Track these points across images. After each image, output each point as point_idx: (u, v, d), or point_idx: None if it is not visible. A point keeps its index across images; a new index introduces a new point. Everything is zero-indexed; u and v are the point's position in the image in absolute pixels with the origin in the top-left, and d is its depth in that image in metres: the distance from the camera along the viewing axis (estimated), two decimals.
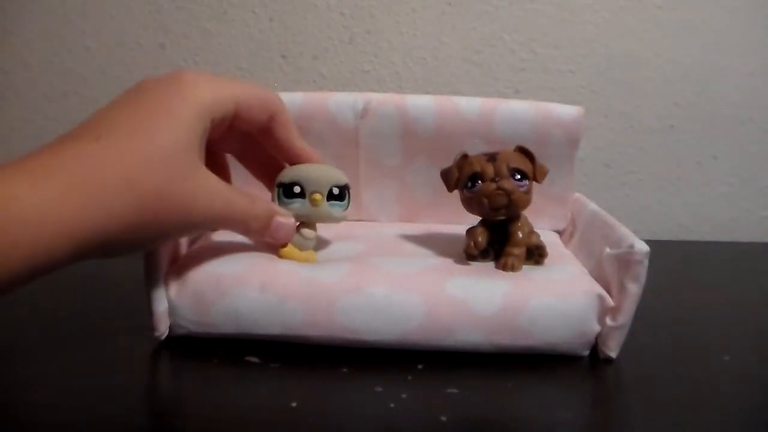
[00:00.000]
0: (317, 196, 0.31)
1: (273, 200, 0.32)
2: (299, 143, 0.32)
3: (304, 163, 0.32)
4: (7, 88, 0.60)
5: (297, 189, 0.32)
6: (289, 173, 0.32)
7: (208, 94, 0.27)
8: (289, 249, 0.32)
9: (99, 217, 0.23)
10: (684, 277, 0.46)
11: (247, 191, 0.30)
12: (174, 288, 0.30)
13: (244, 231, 0.30)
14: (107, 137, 0.24)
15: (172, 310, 0.30)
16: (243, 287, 0.30)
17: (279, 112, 0.31)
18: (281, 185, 0.32)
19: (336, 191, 0.32)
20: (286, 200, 0.32)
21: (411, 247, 0.36)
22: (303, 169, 0.32)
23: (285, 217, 0.31)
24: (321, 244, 0.36)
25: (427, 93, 0.48)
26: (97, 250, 0.23)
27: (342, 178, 0.33)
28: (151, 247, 0.29)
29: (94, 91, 0.60)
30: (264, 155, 0.33)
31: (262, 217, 0.30)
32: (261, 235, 0.31)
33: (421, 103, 0.40)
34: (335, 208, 0.32)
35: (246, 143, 0.33)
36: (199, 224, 0.28)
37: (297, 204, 0.32)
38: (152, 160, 0.24)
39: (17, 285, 0.21)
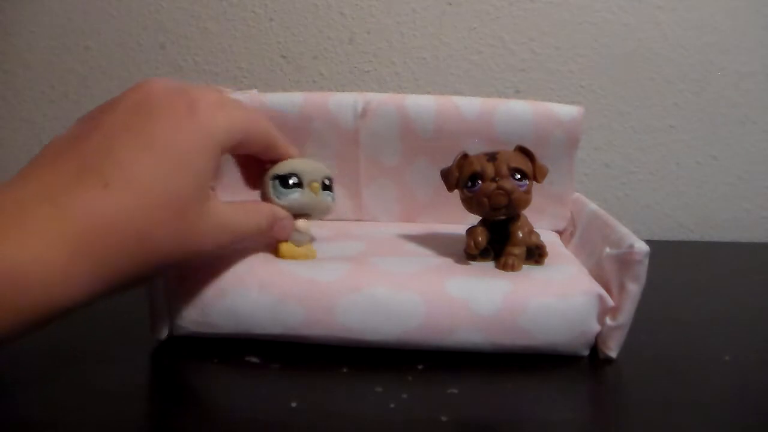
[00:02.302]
0: (316, 185, 0.32)
1: (266, 192, 0.32)
2: (282, 148, 0.32)
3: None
4: (7, 88, 0.60)
5: (294, 180, 0.32)
6: (284, 166, 0.32)
7: (222, 126, 0.26)
8: (287, 247, 0.32)
9: (107, 275, 0.22)
10: (684, 277, 0.46)
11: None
12: (174, 288, 0.30)
13: (249, 243, 0.30)
14: (118, 185, 0.22)
15: (172, 311, 0.30)
16: (243, 287, 0.30)
17: (273, 141, 0.31)
18: (277, 177, 0.32)
19: (327, 182, 0.33)
20: (284, 190, 0.32)
21: (411, 246, 0.36)
22: (296, 162, 0.33)
23: (285, 217, 0.31)
24: (321, 243, 0.36)
25: (427, 93, 0.48)
26: (104, 297, 0.23)
27: (328, 171, 0.34)
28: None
29: (94, 91, 0.60)
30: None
31: (266, 226, 0.30)
32: (263, 240, 0.31)
33: (421, 103, 0.40)
34: (328, 198, 0.34)
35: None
36: (207, 257, 0.28)
37: (296, 194, 0.32)
38: (166, 211, 0.23)
39: (14, 339, 0.21)
